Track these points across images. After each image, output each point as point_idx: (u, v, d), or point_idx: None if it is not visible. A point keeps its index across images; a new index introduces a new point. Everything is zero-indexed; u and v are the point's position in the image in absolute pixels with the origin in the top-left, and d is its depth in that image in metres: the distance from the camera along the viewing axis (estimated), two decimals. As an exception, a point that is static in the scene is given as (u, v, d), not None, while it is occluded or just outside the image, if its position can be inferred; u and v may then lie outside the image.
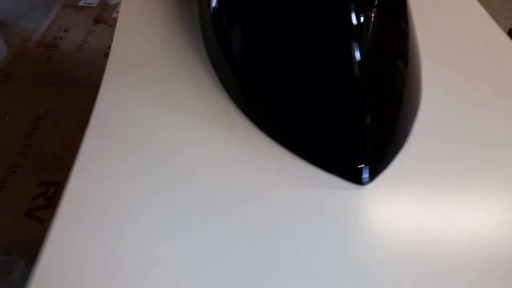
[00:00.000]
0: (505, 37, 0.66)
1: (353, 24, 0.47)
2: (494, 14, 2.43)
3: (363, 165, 0.46)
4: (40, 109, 1.86)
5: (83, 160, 0.49)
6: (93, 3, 2.49)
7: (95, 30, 2.26)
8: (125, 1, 0.74)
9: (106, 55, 2.12)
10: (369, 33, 0.49)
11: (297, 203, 0.46)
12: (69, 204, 0.45)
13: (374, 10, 0.51)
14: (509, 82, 0.59)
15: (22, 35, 2.31)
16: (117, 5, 2.44)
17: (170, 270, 0.41)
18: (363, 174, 0.46)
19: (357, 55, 0.46)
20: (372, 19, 0.51)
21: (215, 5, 0.58)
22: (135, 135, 0.51)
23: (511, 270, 0.41)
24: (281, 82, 0.51)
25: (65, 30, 2.29)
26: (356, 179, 0.46)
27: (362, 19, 0.49)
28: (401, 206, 0.46)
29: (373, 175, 0.47)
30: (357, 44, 0.47)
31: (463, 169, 0.49)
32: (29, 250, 1.31)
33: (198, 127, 0.52)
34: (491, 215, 0.46)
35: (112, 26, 2.19)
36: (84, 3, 2.50)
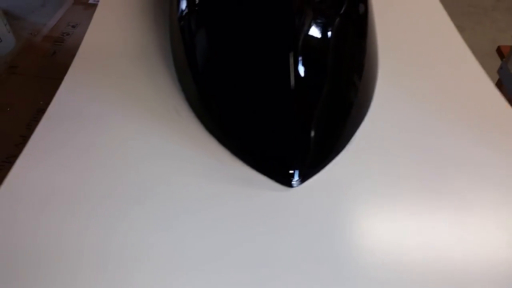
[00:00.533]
0: (469, 55, 0.66)
1: (292, 37, 0.49)
2: (499, 31, 2.41)
3: (293, 170, 0.48)
4: (41, 102, 1.90)
5: (31, 148, 0.51)
6: (103, 1, 2.54)
7: (102, 28, 2.31)
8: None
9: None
10: (311, 45, 0.51)
11: (227, 200, 0.47)
12: (9, 190, 0.47)
13: (324, 22, 0.53)
14: (459, 101, 0.60)
15: (31, 29, 2.36)
16: (125, 4, 2.49)
17: (99, 258, 0.42)
18: (293, 177, 0.48)
19: (294, 65, 0.48)
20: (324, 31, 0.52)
21: (182, 11, 0.60)
22: (83, 128, 0.53)
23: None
24: (226, 86, 0.53)
25: (73, 26, 2.33)
26: (286, 181, 0.48)
27: (307, 31, 0.50)
28: (325, 209, 0.47)
29: (303, 179, 0.48)
30: (295, 54, 0.48)
31: (394, 180, 0.50)
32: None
33: (147, 121, 0.54)
34: (410, 221, 0.47)
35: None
36: (94, 1, 2.55)
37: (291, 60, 0.48)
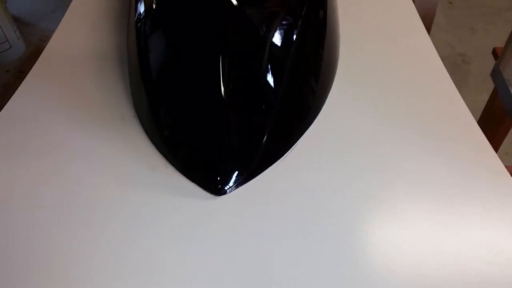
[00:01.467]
0: (436, 58, 0.63)
1: (224, 38, 0.48)
2: None
3: (220, 177, 0.47)
4: (45, 107, 1.93)
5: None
6: (111, 7, 2.57)
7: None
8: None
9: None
10: (247, 47, 0.49)
11: (154, 207, 0.47)
12: None
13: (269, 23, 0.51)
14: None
15: (40, 35, 2.41)
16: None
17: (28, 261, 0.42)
18: (220, 185, 0.47)
19: (224, 66, 0.47)
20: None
21: (136, 18, 0.60)
22: (26, 132, 0.53)
23: None
24: (162, 91, 0.53)
25: (81, 32, 2.36)
26: (214, 190, 0.47)
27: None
28: (251, 217, 0.47)
29: (231, 187, 0.47)
30: (225, 56, 0.47)
31: (331, 189, 0.48)
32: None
33: (91, 126, 0.54)
34: (344, 230, 0.45)
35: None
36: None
37: (221, 61, 0.47)
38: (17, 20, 2.37)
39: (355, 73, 0.61)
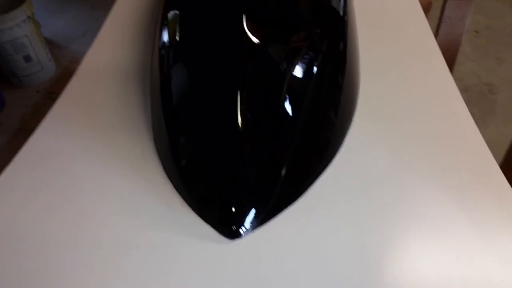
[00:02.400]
0: (459, 100, 0.62)
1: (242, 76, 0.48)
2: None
3: (235, 219, 0.46)
4: (72, 127, 1.98)
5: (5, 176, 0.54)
6: (139, 31, 2.63)
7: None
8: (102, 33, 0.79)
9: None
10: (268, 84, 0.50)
11: (166, 249, 0.47)
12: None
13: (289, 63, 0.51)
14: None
15: (71, 57, 2.50)
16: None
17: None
18: (234, 228, 0.46)
19: (242, 104, 0.47)
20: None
21: (160, 50, 0.61)
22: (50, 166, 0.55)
23: None
24: (182, 128, 0.53)
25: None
26: (228, 233, 0.47)
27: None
28: (266, 263, 0.46)
29: (245, 230, 0.47)
30: (243, 93, 0.48)
31: (346, 238, 0.47)
32: None
33: (111, 160, 0.55)
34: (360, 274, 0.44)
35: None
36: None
37: (239, 98, 0.48)
38: (49, 43, 2.46)
39: (375, 111, 0.60)
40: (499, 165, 0.54)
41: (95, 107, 0.63)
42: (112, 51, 0.74)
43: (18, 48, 2.12)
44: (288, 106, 0.51)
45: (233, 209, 0.46)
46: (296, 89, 0.52)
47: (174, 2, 0.65)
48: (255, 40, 0.52)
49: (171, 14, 0.63)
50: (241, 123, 0.47)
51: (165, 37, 0.61)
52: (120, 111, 0.62)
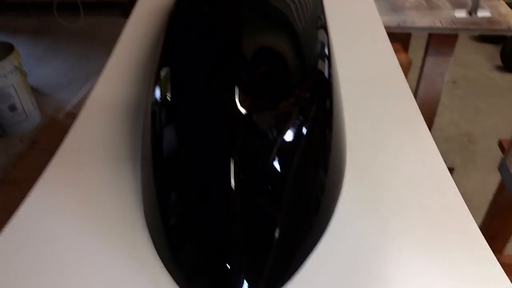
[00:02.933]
0: (445, 171, 0.63)
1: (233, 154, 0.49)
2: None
3: None
4: (55, 178, 1.95)
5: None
6: (126, 80, 2.66)
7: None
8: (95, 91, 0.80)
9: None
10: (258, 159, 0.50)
11: None
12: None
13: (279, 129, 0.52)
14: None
15: (56, 105, 2.49)
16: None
17: None
18: None
19: (235, 176, 0.47)
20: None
21: (151, 118, 0.62)
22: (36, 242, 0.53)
23: None
24: (171, 202, 0.53)
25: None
26: None
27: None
28: None
29: None
30: (236, 168, 0.48)
31: None
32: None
33: (99, 233, 0.54)
34: None
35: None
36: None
37: (232, 167, 0.48)
38: (34, 91, 2.46)
39: (361, 191, 0.61)
40: (483, 218, 0.54)
41: (83, 177, 0.62)
42: (101, 118, 0.74)
43: (4, 98, 2.12)
44: (278, 172, 0.51)
45: (225, 285, 0.46)
46: (286, 153, 0.53)
47: (167, 60, 0.66)
48: (245, 107, 0.53)
49: (163, 72, 0.64)
50: (234, 195, 0.47)
51: (157, 99, 0.62)
52: (109, 181, 0.61)
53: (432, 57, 1.35)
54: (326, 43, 0.69)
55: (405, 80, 0.82)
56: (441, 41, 1.33)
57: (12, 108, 2.17)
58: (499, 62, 2.77)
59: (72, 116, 2.32)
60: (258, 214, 0.50)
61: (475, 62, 2.83)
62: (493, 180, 2.04)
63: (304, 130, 0.55)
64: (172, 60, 0.65)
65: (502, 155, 1.05)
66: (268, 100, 0.57)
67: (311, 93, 0.60)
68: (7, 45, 2.18)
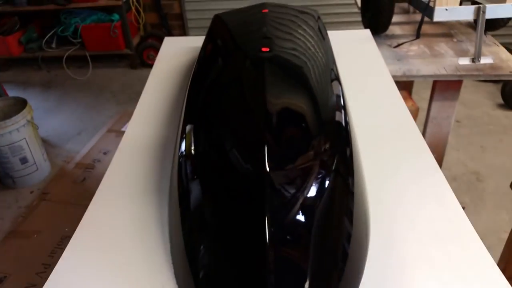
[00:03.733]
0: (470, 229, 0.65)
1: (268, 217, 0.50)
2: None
3: None
4: (66, 229, 1.95)
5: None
6: (134, 129, 2.70)
7: (130, 154, 2.43)
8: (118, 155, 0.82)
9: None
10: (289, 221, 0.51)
11: None
12: None
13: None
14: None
15: (65, 156, 2.53)
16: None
17: None
18: None
19: (270, 237, 0.48)
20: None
21: (180, 182, 0.63)
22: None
23: None
24: (204, 268, 0.53)
25: (104, 153, 2.47)
26: None
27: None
28: None
29: None
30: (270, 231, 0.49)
31: None
32: None
33: None
34: None
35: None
36: (126, 129, 2.72)
37: (267, 228, 0.48)
38: (44, 142, 2.50)
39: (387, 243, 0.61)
40: (498, 260, 0.55)
41: (111, 240, 0.62)
42: (123, 186, 0.75)
43: (15, 151, 2.15)
44: (308, 225, 0.52)
45: None
46: (315, 207, 0.54)
47: (194, 117, 0.68)
48: (274, 165, 0.54)
49: (189, 129, 0.66)
50: (269, 258, 0.47)
51: (184, 161, 0.62)
52: (137, 244, 0.61)
53: (438, 102, 1.39)
54: (341, 96, 0.72)
55: (416, 126, 0.85)
56: (446, 86, 1.37)
57: (24, 160, 2.21)
58: (500, 100, 2.81)
59: (81, 166, 2.36)
60: (291, 268, 0.50)
61: (476, 101, 2.88)
62: (504, 218, 2.04)
63: (329, 184, 0.57)
64: (199, 117, 0.67)
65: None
66: (295, 158, 0.58)
67: (333, 148, 0.62)
68: (20, 100, 2.24)
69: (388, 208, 0.65)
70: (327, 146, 0.62)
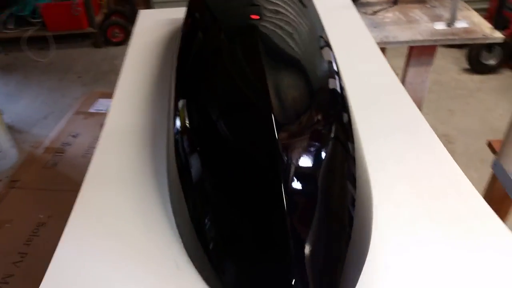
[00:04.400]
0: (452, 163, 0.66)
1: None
2: (488, 110, 2.47)
3: None
4: (41, 216, 1.89)
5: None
6: (103, 110, 2.62)
7: (102, 136, 2.36)
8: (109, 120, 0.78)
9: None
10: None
11: None
12: None
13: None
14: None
15: (33, 141, 2.43)
16: (124, 111, 2.57)
17: None
18: None
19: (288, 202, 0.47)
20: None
21: (177, 153, 0.60)
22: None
23: None
24: (221, 231, 0.51)
25: (74, 136, 2.39)
26: None
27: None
28: None
29: None
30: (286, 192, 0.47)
31: None
32: None
33: (143, 275, 0.52)
34: None
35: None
36: (95, 110, 2.63)
37: (284, 197, 0.47)
38: (10, 128, 2.40)
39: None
40: None
41: (111, 223, 0.59)
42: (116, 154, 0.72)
43: (-21, 139, 2.05)
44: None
45: None
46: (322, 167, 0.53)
47: (188, 87, 0.65)
48: (282, 130, 0.53)
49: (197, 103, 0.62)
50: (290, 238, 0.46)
51: (184, 135, 0.59)
52: (140, 224, 0.59)
53: (414, 67, 1.41)
54: (335, 61, 0.71)
55: (403, 88, 0.85)
56: (421, 52, 1.38)
57: (-11, 148, 2.11)
58: (465, 65, 2.88)
59: (51, 150, 2.27)
60: (310, 232, 0.49)
61: (444, 67, 2.94)
62: (473, 175, 2.12)
63: (336, 147, 0.56)
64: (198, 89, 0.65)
65: (494, 155, 1.10)
66: (301, 123, 0.57)
67: (335, 112, 0.61)
68: (-21, 84, 2.13)
69: (385, 168, 0.66)
70: (330, 110, 0.61)
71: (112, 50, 3.36)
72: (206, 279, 0.49)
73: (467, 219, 0.58)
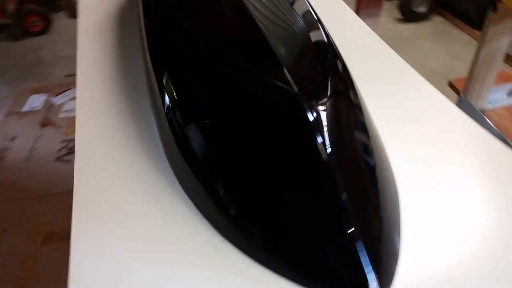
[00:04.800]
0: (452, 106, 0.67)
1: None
2: (425, 56, 2.58)
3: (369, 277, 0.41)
4: (-11, 230, 1.74)
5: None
6: (37, 106, 2.43)
7: (43, 134, 2.19)
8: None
9: (58, 159, 2.02)
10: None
11: None
12: None
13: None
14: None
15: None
16: (62, 104, 2.40)
17: None
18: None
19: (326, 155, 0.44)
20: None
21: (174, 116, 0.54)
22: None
23: None
24: (259, 201, 0.47)
25: (11, 140, 2.21)
26: None
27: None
28: None
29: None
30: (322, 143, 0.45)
31: None
32: None
33: (182, 268, 0.46)
34: None
35: (61, 127, 2.14)
36: (28, 108, 2.44)
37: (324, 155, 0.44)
38: None
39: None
40: None
41: (119, 211, 0.53)
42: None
43: None
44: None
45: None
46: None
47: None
48: (299, 84, 0.50)
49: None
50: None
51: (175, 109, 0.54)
52: (154, 203, 0.53)
53: (364, 20, 1.41)
54: (319, 21, 0.68)
55: (380, 38, 0.86)
56: (369, 4, 1.39)
57: None
58: (398, 15, 2.97)
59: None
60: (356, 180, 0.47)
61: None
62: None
63: (348, 95, 0.55)
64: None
65: (458, 94, 1.13)
66: (313, 74, 0.54)
67: (338, 62, 0.59)
68: None
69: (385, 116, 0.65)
70: (334, 61, 0.59)
71: (34, 41, 3.10)
72: (244, 250, 0.46)
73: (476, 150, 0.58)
